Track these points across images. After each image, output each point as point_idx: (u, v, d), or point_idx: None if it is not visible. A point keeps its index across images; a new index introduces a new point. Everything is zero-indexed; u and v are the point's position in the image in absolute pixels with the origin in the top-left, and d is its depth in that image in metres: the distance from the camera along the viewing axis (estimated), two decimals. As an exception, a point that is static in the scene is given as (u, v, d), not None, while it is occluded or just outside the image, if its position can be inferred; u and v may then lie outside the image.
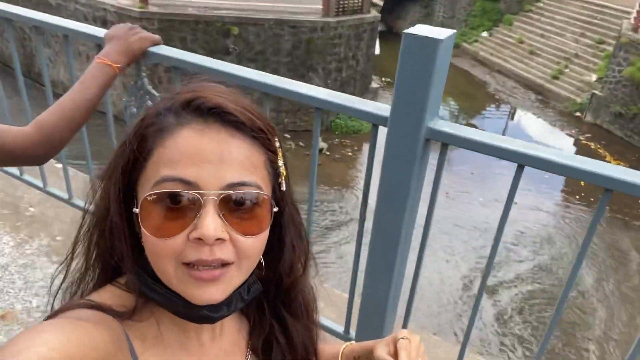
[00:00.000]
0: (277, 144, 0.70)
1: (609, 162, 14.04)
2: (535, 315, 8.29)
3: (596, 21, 18.92)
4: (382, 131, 1.22)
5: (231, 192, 0.62)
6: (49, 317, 0.63)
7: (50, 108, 1.28)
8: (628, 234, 11.06)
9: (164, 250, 0.62)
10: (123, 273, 0.70)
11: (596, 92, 16.38)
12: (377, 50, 15.41)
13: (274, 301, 0.80)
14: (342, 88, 14.00)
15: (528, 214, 11.30)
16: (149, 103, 1.64)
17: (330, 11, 13.21)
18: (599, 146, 15.26)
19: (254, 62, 13.07)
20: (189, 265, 0.62)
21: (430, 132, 1.12)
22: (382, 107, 1.20)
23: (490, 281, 8.88)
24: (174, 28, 12.57)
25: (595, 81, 17.05)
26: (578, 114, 16.85)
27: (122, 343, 0.62)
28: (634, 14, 15.33)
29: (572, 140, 15.83)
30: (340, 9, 13.43)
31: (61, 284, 0.72)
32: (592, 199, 12.09)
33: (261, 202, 0.65)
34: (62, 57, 14.32)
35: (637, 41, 14.93)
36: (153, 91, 1.60)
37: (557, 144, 15.50)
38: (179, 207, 0.61)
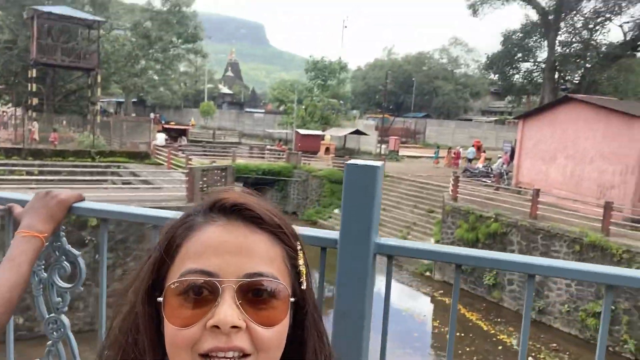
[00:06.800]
0: (299, 247, 0.75)
1: (464, 314, 15.44)
2: None
3: (424, 195, 22.62)
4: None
5: (248, 280, 0.65)
6: None
7: None
8: None
9: (181, 340, 0.64)
10: None
11: (438, 252, 18.66)
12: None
13: None
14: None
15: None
16: (66, 264, 1.51)
17: (194, 197, 13.65)
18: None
19: (114, 252, 12.33)
20: (205, 356, 0.63)
21: (377, 247, 1.26)
22: (328, 232, 1.33)
23: None
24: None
25: (434, 244, 19.56)
26: (428, 273, 18.73)
27: None
28: (451, 187, 18.77)
29: (429, 298, 17.23)
30: (205, 192, 13.97)
31: None
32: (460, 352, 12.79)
33: (278, 293, 0.68)
34: None
35: (458, 208, 18.01)
36: (73, 250, 1.49)
37: (416, 303, 16.67)
38: (199, 297, 0.65)
